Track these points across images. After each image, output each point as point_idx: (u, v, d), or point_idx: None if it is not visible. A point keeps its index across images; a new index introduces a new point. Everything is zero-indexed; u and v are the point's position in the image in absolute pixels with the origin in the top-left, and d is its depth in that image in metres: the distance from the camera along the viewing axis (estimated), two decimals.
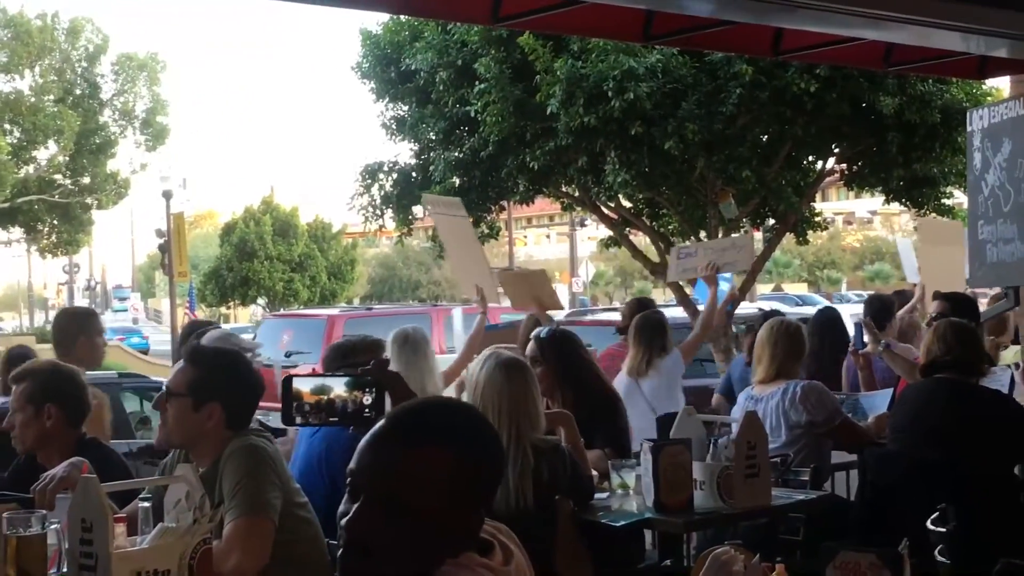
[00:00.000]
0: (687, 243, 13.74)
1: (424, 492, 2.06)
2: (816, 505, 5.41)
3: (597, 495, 5.10)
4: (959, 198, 18.98)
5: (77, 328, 6.59)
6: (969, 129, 8.47)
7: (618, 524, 4.85)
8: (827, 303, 22.11)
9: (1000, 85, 13.74)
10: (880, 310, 8.45)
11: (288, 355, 16.71)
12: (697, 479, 4.94)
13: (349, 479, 2.13)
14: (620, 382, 7.39)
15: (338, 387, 3.85)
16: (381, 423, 2.18)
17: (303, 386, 3.83)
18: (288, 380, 3.90)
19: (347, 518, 2.10)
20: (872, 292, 24.72)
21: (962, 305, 7.57)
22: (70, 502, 3.20)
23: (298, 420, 3.92)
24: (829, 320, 8.56)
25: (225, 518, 3.69)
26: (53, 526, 3.31)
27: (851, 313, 13.58)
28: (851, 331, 8.58)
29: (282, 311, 28.90)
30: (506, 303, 10.91)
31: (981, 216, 8.26)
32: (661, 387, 7.42)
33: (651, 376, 7.45)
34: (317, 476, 5.05)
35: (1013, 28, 7.19)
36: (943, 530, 4.64)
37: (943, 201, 16.75)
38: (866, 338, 7.61)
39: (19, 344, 7.33)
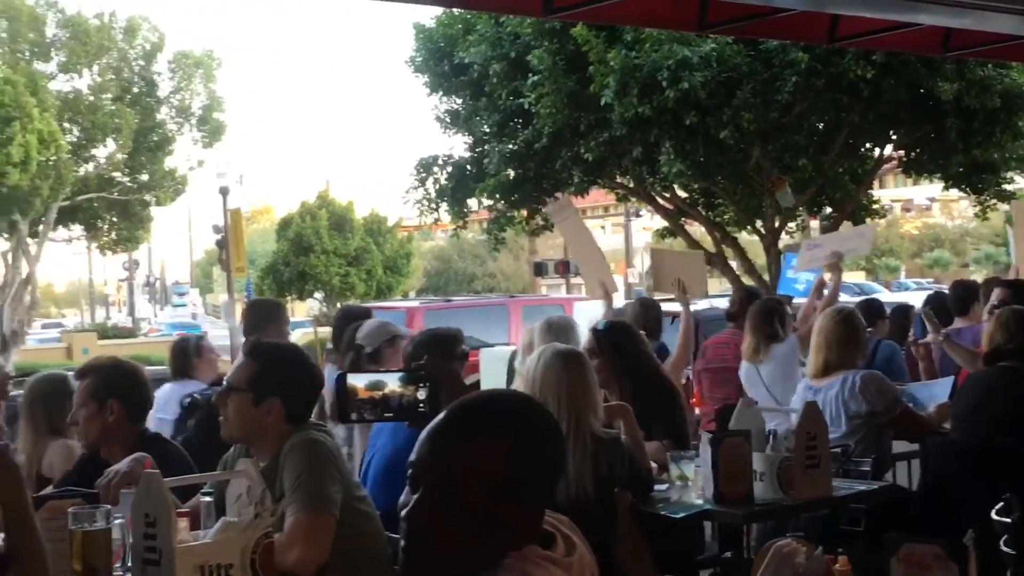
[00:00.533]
0: (815, 237, 13.59)
1: (482, 483, 2.06)
2: (877, 496, 5.35)
3: (657, 487, 5.09)
4: (1020, 183, 18.75)
5: (267, 317, 7.13)
6: None
7: (678, 516, 4.83)
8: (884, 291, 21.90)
9: None
10: (961, 297, 8.36)
11: None
12: (757, 470, 4.91)
13: (409, 471, 2.14)
14: (741, 368, 7.62)
15: (392, 383, 3.86)
16: (440, 415, 2.18)
17: (358, 382, 3.84)
18: (342, 377, 3.92)
19: (406, 509, 2.10)
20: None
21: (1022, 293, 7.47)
22: (134, 497, 3.23)
23: (353, 416, 3.93)
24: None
25: (286, 512, 3.71)
26: (117, 521, 3.34)
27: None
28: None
29: (362, 303, 29.01)
30: (579, 294, 10.98)
31: None
32: (776, 372, 7.49)
33: (766, 362, 7.54)
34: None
35: None
36: (1008, 520, 4.58)
37: (1004, 187, 16.56)
38: (928, 327, 7.54)
39: (183, 336, 7.72)
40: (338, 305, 43.88)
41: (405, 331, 7.05)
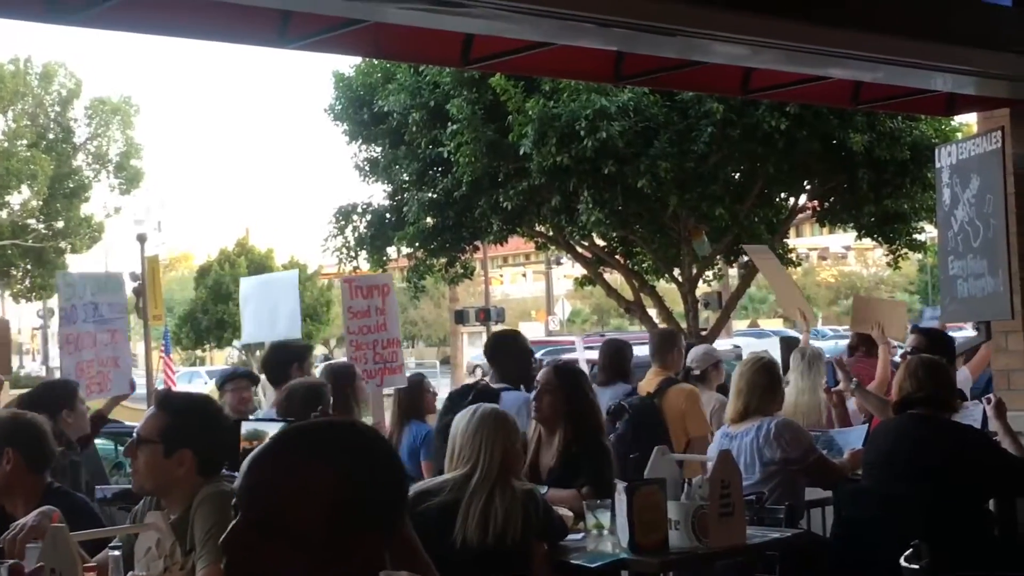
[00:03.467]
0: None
1: (302, 511, 1.98)
2: (791, 543, 5.40)
3: (572, 536, 5.09)
4: (931, 232, 19.14)
5: (294, 359, 7.37)
6: (938, 165, 8.53)
7: (593, 565, 4.83)
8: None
9: (969, 121, 13.86)
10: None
11: None
12: (672, 519, 4.93)
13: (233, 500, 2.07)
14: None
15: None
16: (264, 442, 2.11)
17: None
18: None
19: (222, 538, 2.03)
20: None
21: (938, 340, 7.59)
22: (40, 552, 3.17)
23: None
24: None
25: (197, 565, 3.67)
26: None
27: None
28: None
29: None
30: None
31: (951, 251, 8.30)
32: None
33: None
34: None
35: (980, 66, 7.26)
36: (917, 567, 4.64)
37: (915, 236, 16.87)
38: (838, 376, 7.63)
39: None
40: (256, 354, 43.60)
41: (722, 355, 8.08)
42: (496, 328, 44.17)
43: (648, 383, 7.94)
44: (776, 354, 8.87)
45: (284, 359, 7.40)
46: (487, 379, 7.52)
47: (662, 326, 11.14)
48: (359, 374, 7.41)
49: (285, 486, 2.01)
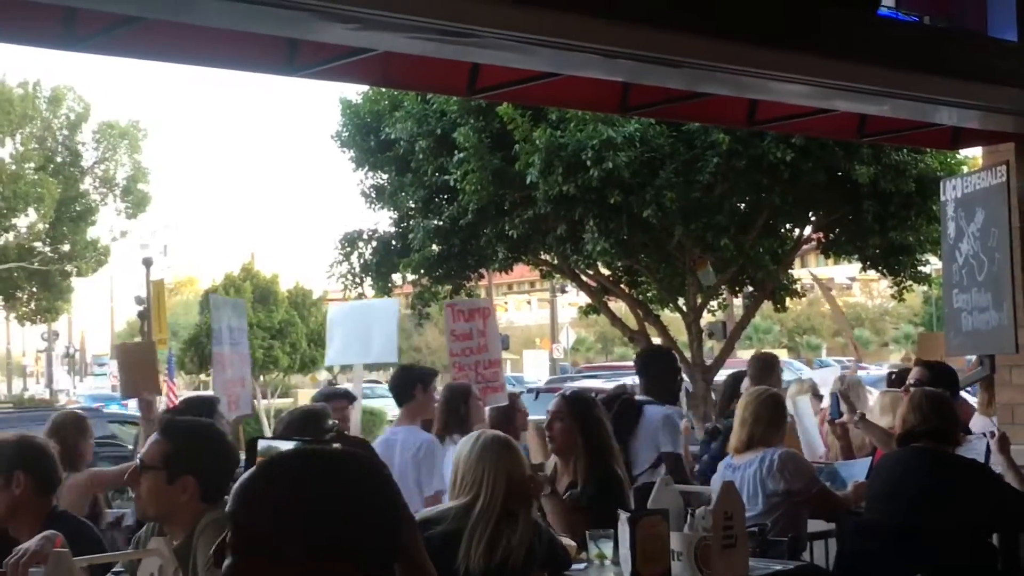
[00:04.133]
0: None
1: (276, 538, 2.07)
2: (794, 575, 5.39)
3: (575, 566, 5.09)
4: (936, 265, 19.14)
5: (418, 380, 7.41)
6: (943, 198, 8.56)
7: None
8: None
9: (975, 154, 13.89)
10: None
11: None
12: (675, 550, 4.93)
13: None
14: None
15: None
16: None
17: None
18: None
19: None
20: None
21: (941, 373, 7.60)
22: None
23: None
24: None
25: None
26: None
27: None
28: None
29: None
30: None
31: (955, 285, 8.32)
32: None
33: None
34: None
35: (985, 100, 7.30)
36: None
37: (919, 269, 16.86)
38: (842, 408, 7.63)
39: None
40: (261, 379, 43.57)
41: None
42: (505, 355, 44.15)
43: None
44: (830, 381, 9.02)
45: (408, 380, 7.48)
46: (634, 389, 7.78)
47: (757, 351, 10.74)
48: (475, 392, 7.60)
49: (259, 511, 2.10)
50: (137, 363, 8.67)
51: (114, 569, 3.79)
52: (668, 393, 7.66)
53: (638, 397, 7.49)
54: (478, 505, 4.61)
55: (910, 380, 7.74)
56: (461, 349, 8.63)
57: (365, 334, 10.04)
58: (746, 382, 8.36)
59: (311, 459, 2.23)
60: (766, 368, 8.54)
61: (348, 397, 8.27)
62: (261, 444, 3.87)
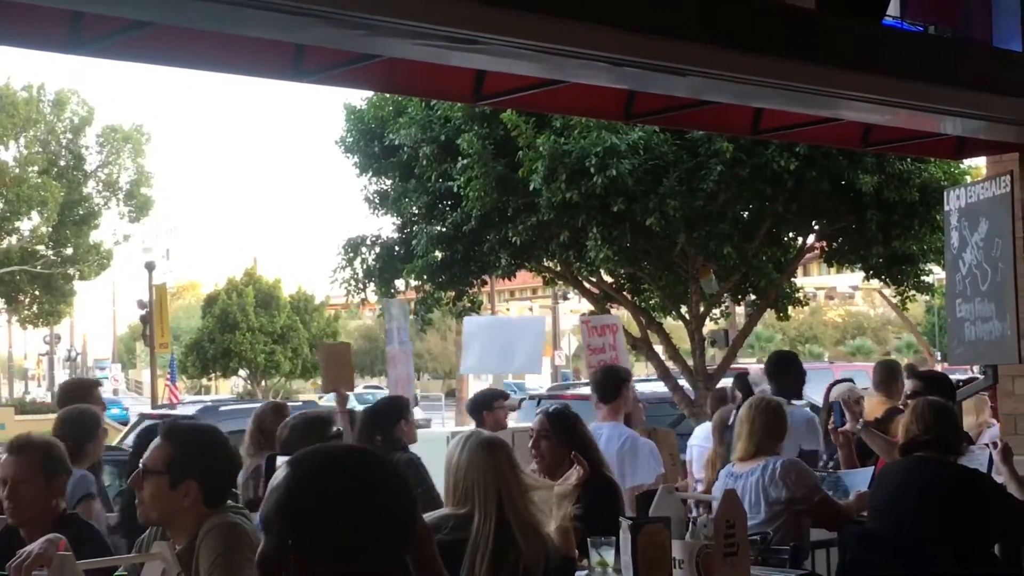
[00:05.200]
0: None
1: (284, 537, 2.26)
2: None
3: (577, 573, 5.08)
4: (939, 274, 19.15)
5: (622, 380, 7.87)
6: (947, 208, 8.56)
7: None
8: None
9: (978, 164, 13.89)
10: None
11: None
12: (676, 558, 4.92)
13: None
14: None
15: None
16: None
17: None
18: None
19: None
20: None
21: (937, 383, 7.59)
22: None
23: None
24: None
25: None
26: None
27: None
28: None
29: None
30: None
31: (959, 294, 8.32)
32: None
33: None
34: None
35: (989, 110, 7.30)
36: None
37: (922, 278, 16.85)
38: (845, 417, 7.63)
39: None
40: (262, 384, 43.60)
41: None
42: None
43: (873, 410, 8.52)
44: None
45: (615, 380, 7.92)
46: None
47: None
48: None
49: (271, 510, 2.30)
50: (336, 362, 9.66)
51: (117, 573, 3.80)
52: (796, 395, 8.33)
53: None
54: (476, 520, 4.58)
55: (907, 391, 7.75)
56: (598, 361, 9.38)
57: (507, 347, 11.03)
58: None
59: (332, 460, 2.38)
60: (891, 373, 8.87)
61: (506, 396, 9.20)
62: (279, 460, 3.89)
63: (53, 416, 7.30)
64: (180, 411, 18.68)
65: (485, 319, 14.11)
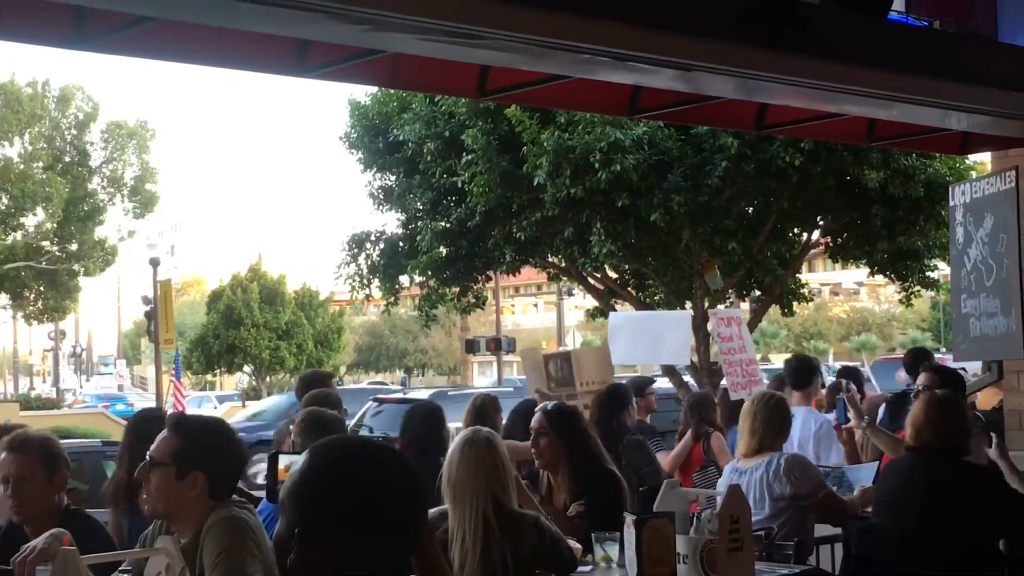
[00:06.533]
0: None
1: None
2: None
3: (580, 568, 5.09)
4: (944, 270, 19.13)
5: (815, 369, 8.52)
6: (952, 204, 8.54)
7: None
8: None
9: (983, 159, 13.88)
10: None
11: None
12: (680, 553, 4.92)
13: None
14: None
15: None
16: None
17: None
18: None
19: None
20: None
21: (949, 378, 7.58)
22: (50, 574, 3.18)
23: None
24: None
25: None
26: None
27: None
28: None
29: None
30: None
31: (964, 290, 8.30)
32: None
33: None
34: None
35: (994, 105, 7.28)
36: None
37: (927, 274, 16.83)
38: (849, 413, 7.62)
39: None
40: (267, 380, 43.61)
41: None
42: (505, 358, 44.08)
43: (988, 399, 8.76)
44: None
45: (809, 368, 8.52)
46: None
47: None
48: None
49: (285, 493, 2.38)
50: (596, 363, 10.62)
51: (121, 567, 3.80)
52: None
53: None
54: (466, 507, 4.62)
55: (918, 385, 7.73)
56: (728, 349, 9.92)
57: (654, 339, 11.74)
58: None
59: (347, 454, 2.42)
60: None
61: (652, 381, 10.10)
62: (283, 460, 3.90)
63: (56, 412, 7.36)
64: (412, 396, 20.72)
65: (630, 314, 15.28)
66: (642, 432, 8.83)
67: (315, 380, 8.30)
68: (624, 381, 10.54)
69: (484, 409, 8.21)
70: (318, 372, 9.59)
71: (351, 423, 16.46)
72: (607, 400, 8.64)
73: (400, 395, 22.88)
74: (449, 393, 19.18)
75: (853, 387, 8.85)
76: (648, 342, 11.77)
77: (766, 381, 10.62)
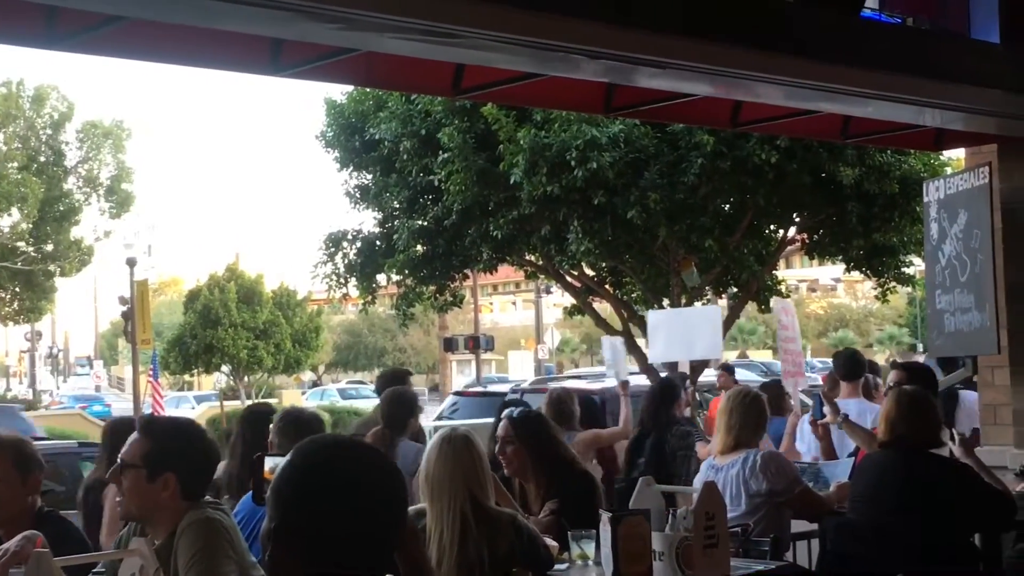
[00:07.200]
0: None
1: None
2: (776, 575, 5.40)
3: (557, 566, 5.09)
4: (920, 266, 19.22)
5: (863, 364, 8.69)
6: (926, 200, 8.58)
7: None
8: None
9: (958, 155, 13.94)
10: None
11: None
12: (656, 550, 4.93)
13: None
14: None
15: None
16: None
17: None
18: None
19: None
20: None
21: (919, 374, 7.61)
22: None
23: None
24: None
25: None
26: None
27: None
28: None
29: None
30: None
31: (938, 285, 8.34)
32: None
33: None
34: None
35: (968, 102, 7.31)
36: None
37: (903, 270, 16.90)
38: (825, 409, 7.64)
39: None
40: (245, 379, 43.50)
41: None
42: (484, 356, 44.13)
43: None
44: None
45: (859, 363, 8.63)
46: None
47: None
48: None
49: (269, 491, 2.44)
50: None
51: (95, 569, 3.78)
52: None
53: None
54: (444, 505, 4.63)
55: (890, 381, 7.76)
56: (785, 338, 9.85)
57: (688, 335, 11.77)
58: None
59: (325, 454, 2.45)
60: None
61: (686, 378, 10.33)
62: (268, 462, 3.89)
63: (35, 413, 7.34)
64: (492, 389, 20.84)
65: (666, 312, 15.01)
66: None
67: (395, 378, 8.58)
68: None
69: (561, 402, 8.26)
70: (398, 370, 9.75)
71: (433, 418, 16.91)
72: (658, 392, 9.16)
73: (480, 388, 23.56)
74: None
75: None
76: (681, 339, 11.93)
77: (809, 374, 10.84)
